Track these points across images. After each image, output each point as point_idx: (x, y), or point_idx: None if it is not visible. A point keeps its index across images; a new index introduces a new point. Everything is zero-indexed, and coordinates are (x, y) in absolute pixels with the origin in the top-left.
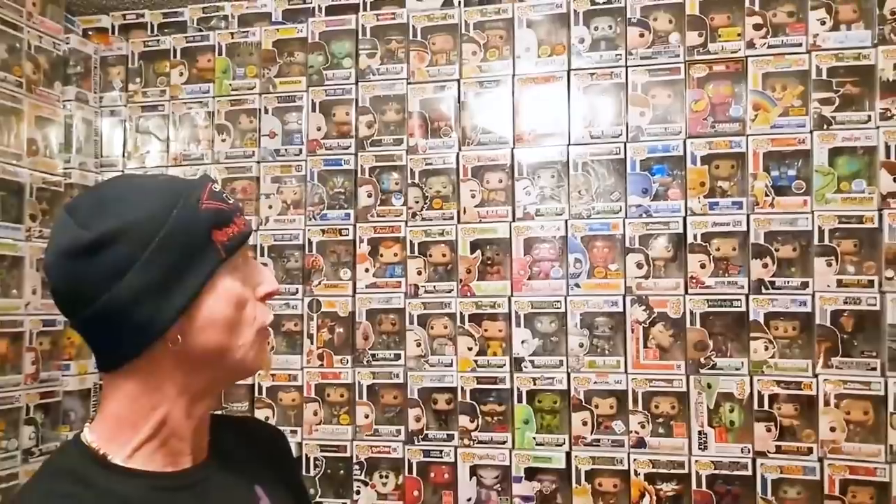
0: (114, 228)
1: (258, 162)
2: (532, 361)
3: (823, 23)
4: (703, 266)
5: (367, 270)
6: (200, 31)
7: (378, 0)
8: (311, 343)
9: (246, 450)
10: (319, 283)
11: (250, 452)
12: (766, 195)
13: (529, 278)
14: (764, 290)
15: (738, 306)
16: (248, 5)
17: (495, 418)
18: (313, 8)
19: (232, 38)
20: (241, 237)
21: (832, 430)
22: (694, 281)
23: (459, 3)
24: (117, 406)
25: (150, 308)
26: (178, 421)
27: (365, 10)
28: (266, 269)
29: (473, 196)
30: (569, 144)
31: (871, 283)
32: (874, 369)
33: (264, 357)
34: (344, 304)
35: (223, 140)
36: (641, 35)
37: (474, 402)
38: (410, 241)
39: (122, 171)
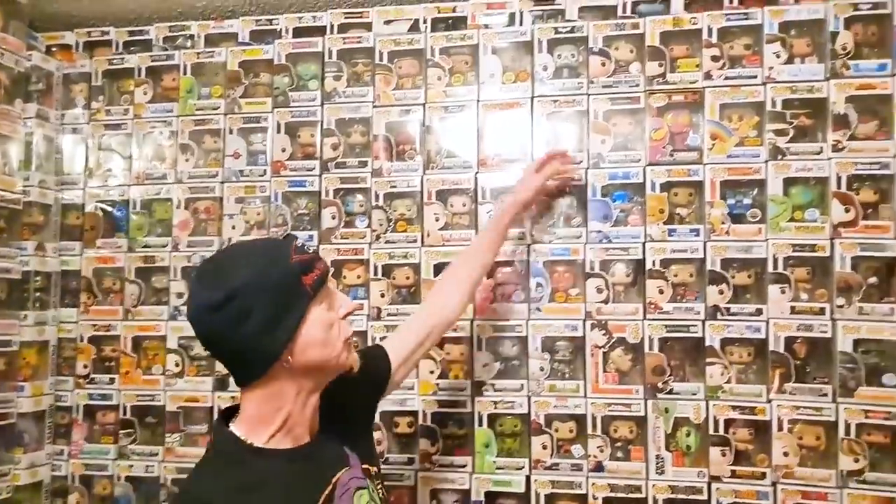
0: (234, 288)
1: (222, 182)
2: (493, 385)
3: (778, 56)
4: (661, 292)
5: None
6: (166, 49)
7: (346, 23)
8: None
9: (327, 419)
10: None
11: (328, 419)
12: (723, 223)
13: (492, 302)
14: (720, 316)
15: (694, 332)
16: (215, 25)
17: (456, 442)
18: (280, 30)
19: (198, 57)
20: (323, 277)
21: (785, 454)
22: (652, 306)
23: (426, 28)
24: (254, 409)
25: (267, 341)
26: (298, 413)
27: (332, 32)
28: (343, 295)
29: (437, 219)
30: None
31: (822, 311)
32: (826, 395)
33: (353, 357)
34: None
35: (186, 160)
36: (603, 64)
37: (435, 426)
38: (374, 264)
39: (83, 189)
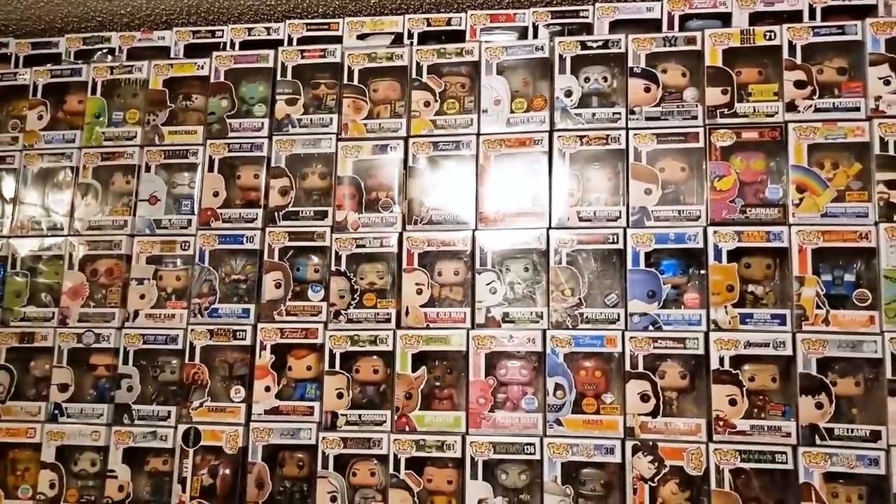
0: None
1: (131, 235)
2: None
3: (888, 82)
4: (733, 402)
5: (268, 389)
6: (76, 63)
7: (307, 36)
8: (183, 490)
9: None
10: (200, 406)
11: None
12: (818, 307)
13: (492, 409)
14: (819, 441)
15: (782, 462)
16: (142, 36)
17: None
18: (224, 43)
19: (111, 73)
20: None
21: None
22: (721, 423)
23: (412, 41)
24: None
25: None
26: None
27: (290, 44)
28: None
29: (420, 292)
30: (549, 227)
31: None
32: None
33: None
34: (233, 435)
35: (87, 205)
36: (647, 90)
37: None
38: (331, 351)
39: None
